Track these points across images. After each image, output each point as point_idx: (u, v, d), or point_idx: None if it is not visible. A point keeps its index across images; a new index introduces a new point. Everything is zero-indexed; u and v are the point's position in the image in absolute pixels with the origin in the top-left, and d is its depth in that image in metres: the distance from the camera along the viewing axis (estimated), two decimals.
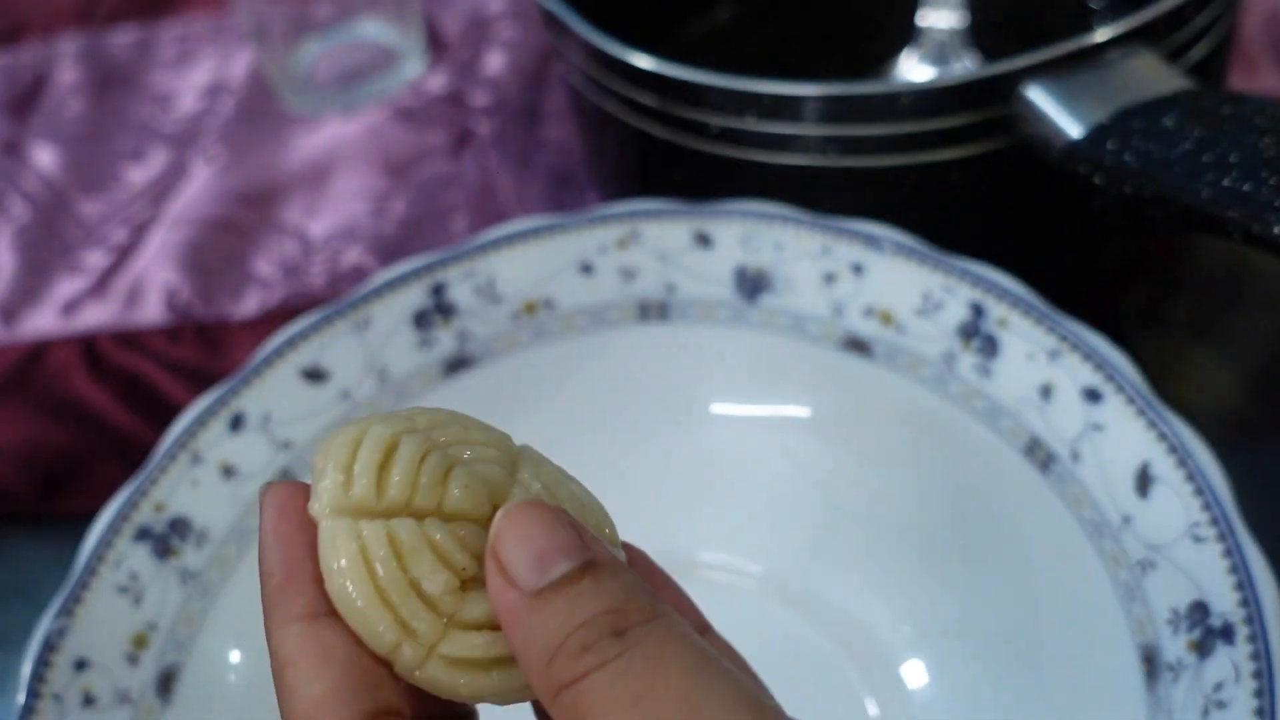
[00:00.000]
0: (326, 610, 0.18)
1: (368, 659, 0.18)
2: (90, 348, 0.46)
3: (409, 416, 0.20)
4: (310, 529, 0.18)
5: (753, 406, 0.36)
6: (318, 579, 0.18)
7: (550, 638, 0.17)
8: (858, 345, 0.34)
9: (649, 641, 0.16)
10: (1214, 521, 0.27)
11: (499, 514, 0.18)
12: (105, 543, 0.30)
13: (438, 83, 0.56)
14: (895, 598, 0.32)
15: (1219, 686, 0.25)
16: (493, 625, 0.18)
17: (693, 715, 0.16)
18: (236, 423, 0.33)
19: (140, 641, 0.30)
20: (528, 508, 0.18)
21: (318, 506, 0.18)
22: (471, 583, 0.18)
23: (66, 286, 0.49)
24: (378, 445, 0.18)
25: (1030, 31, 0.43)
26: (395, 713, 0.18)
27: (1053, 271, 0.39)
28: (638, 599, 0.17)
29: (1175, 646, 0.26)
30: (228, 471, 0.32)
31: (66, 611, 0.29)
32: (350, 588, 0.18)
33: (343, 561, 0.18)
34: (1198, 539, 0.27)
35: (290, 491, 0.19)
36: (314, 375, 0.34)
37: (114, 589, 0.30)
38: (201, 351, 0.46)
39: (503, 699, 0.18)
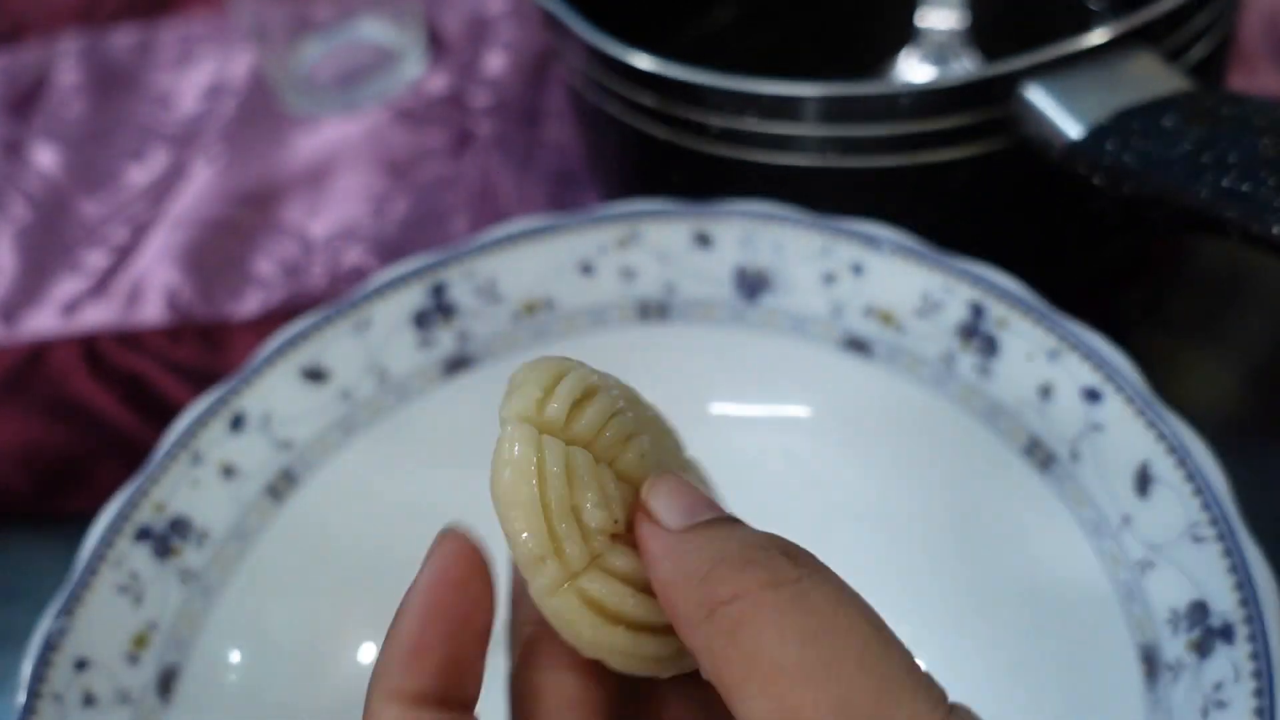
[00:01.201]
0: (434, 702, 0.17)
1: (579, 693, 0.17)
2: (91, 348, 0.46)
3: (609, 377, 0.20)
4: (464, 610, 0.18)
5: (753, 406, 0.36)
6: (443, 666, 0.17)
7: (709, 553, 0.16)
8: (857, 345, 0.34)
9: (826, 579, 0.15)
10: (1213, 521, 0.27)
11: (649, 479, 0.18)
12: (105, 543, 0.30)
13: (438, 83, 0.56)
14: (894, 598, 0.32)
15: (1218, 686, 0.25)
16: (633, 583, 0.18)
17: (875, 669, 0.15)
18: (237, 423, 0.33)
19: (141, 641, 0.30)
20: (674, 475, 0.18)
21: (508, 410, 0.18)
22: (621, 538, 0.18)
23: (67, 287, 0.49)
24: (580, 383, 0.19)
25: (1030, 32, 0.43)
26: None
27: (1052, 271, 0.39)
28: (795, 544, 0.16)
29: (1175, 646, 0.26)
30: (228, 471, 0.32)
31: (67, 611, 0.29)
32: (517, 482, 0.18)
33: (516, 452, 0.18)
34: (1197, 539, 0.27)
35: (465, 549, 0.18)
36: (314, 375, 0.34)
37: (114, 589, 0.30)
38: (202, 352, 0.46)
39: (614, 661, 0.18)
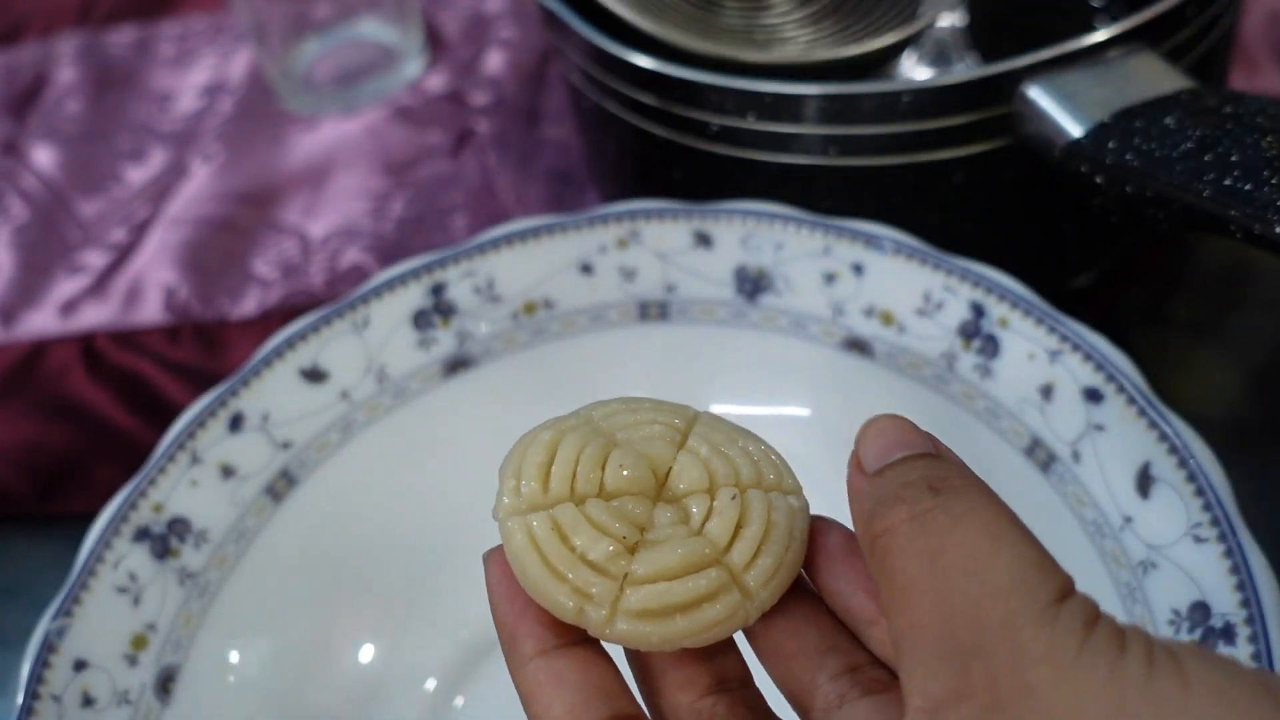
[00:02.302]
0: (555, 645, 0.20)
1: (597, 675, 0.20)
2: (89, 348, 0.46)
3: (580, 413, 0.22)
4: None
5: (753, 406, 0.36)
6: (542, 620, 0.20)
7: (877, 496, 0.18)
8: (858, 345, 0.34)
9: (957, 500, 0.18)
10: (1215, 522, 0.26)
11: (862, 426, 0.20)
12: (104, 543, 0.30)
13: (437, 82, 0.56)
14: None
15: None
16: (668, 577, 0.20)
17: (977, 574, 0.16)
18: (235, 423, 0.33)
19: (139, 642, 0.30)
20: (883, 418, 0.20)
21: (497, 513, 0.21)
22: (640, 546, 0.20)
23: (65, 286, 0.49)
24: (541, 448, 0.21)
25: (1031, 31, 0.43)
26: (632, 718, 0.20)
27: (1054, 271, 0.39)
28: (961, 470, 0.19)
29: None
30: (227, 471, 0.32)
31: (65, 612, 0.29)
32: (527, 567, 0.20)
33: (515, 547, 0.20)
34: (1199, 539, 0.27)
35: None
36: (313, 375, 0.34)
37: (113, 589, 0.30)
38: (200, 351, 0.46)
39: (693, 639, 0.20)
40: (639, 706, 0.20)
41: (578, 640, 0.20)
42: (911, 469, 0.19)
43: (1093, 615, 0.16)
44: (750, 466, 0.21)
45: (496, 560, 0.21)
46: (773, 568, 0.20)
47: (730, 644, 0.21)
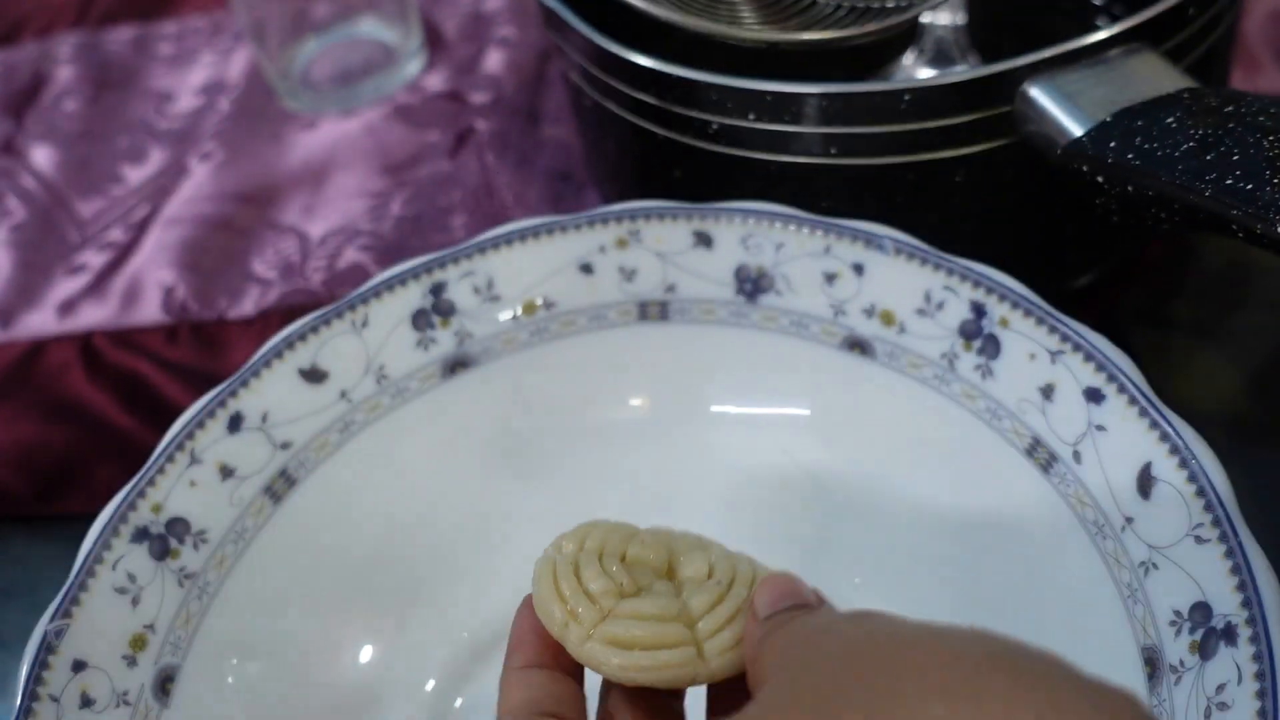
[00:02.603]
0: (536, 664, 0.24)
1: (559, 688, 0.24)
2: (87, 347, 0.46)
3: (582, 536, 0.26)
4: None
5: (753, 407, 0.36)
6: (540, 644, 0.24)
7: (760, 635, 0.22)
8: (859, 345, 0.34)
9: (813, 616, 0.21)
10: (1216, 522, 0.26)
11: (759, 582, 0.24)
12: (103, 543, 0.30)
13: (436, 81, 0.56)
14: (895, 599, 0.32)
15: (1221, 688, 0.25)
16: (641, 619, 0.23)
17: (839, 680, 0.18)
18: (235, 423, 0.33)
19: (138, 643, 0.30)
20: (773, 577, 0.23)
21: (539, 560, 0.25)
22: (631, 595, 0.24)
23: (63, 286, 0.49)
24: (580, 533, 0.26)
25: (1032, 30, 0.43)
26: None
27: (1055, 271, 0.38)
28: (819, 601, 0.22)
29: (1177, 648, 0.26)
30: (226, 472, 0.32)
31: (64, 612, 0.29)
32: (539, 582, 0.24)
33: (538, 568, 0.25)
34: (1200, 540, 0.27)
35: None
36: (312, 375, 0.34)
37: (112, 590, 0.30)
38: (199, 351, 0.45)
39: (645, 674, 0.23)
40: (582, 716, 0.24)
41: (560, 668, 0.24)
42: (786, 620, 0.22)
43: None
44: (749, 569, 0.25)
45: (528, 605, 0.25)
46: (732, 640, 0.23)
47: (679, 697, 0.25)
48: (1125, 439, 0.29)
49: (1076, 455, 0.30)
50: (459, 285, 0.35)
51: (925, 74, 0.42)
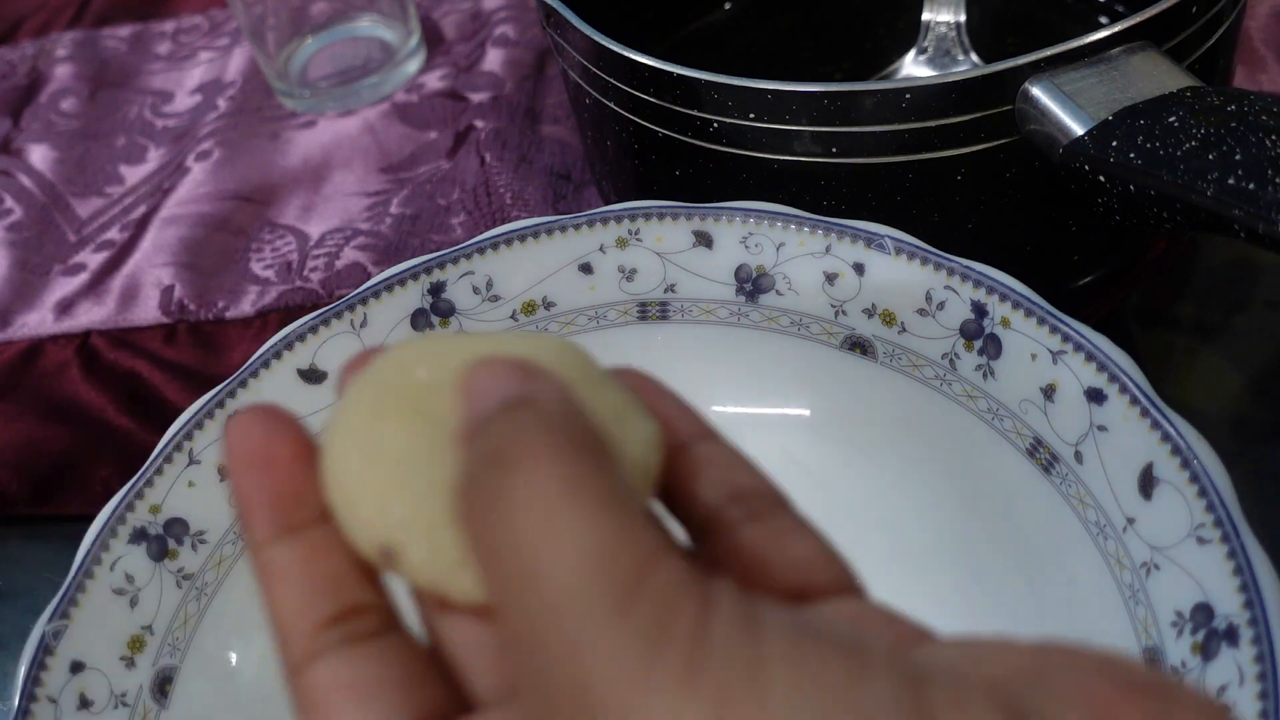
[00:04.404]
0: (281, 533, 0.18)
1: (324, 566, 0.18)
2: (85, 347, 0.46)
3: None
4: (265, 457, 0.18)
5: (753, 407, 0.35)
6: (271, 504, 0.18)
7: (462, 473, 0.16)
8: (859, 345, 0.34)
9: (513, 481, 0.15)
10: (1218, 523, 0.26)
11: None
12: (101, 544, 0.30)
13: (435, 80, 0.56)
14: (895, 600, 0.32)
15: (1223, 689, 0.25)
16: None
17: (534, 583, 0.14)
18: None
19: (137, 644, 0.30)
20: (477, 365, 0.17)
21: None
22: None
23: (61, 286, 0.49)
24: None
25: (1033, 29, 0.43)
26: (363, 609, 0.18)
27: (1056, 271, 0.38)
28: (528, 425, 0.15)
29: (1179, 649, 0.26)
30: (225, 472, 0.32)
31: (62, 614, 0.29)
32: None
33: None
34: (1202, 540, 0.27)
35: (250, 422, 0.19)
36: (311, 375, 0.34)
37: (110, 591, 0.30)
38: (197, 351, 0.45)
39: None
40: (375, 593, 0.18)
41: (308, 522, 0.18)
42: (488, 435, 0.15)
43: (670, 603, 0.13)
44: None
45: (239, 428, 0.19)
46: None
47: None
48: (1127, 439, 0.29)
49: (1078, 455, 0.30)
50: (458, 285, 0.35)
51: (925, 73, 0.42)
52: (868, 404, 0.34)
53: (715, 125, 0.36)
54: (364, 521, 0.17)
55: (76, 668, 0.28)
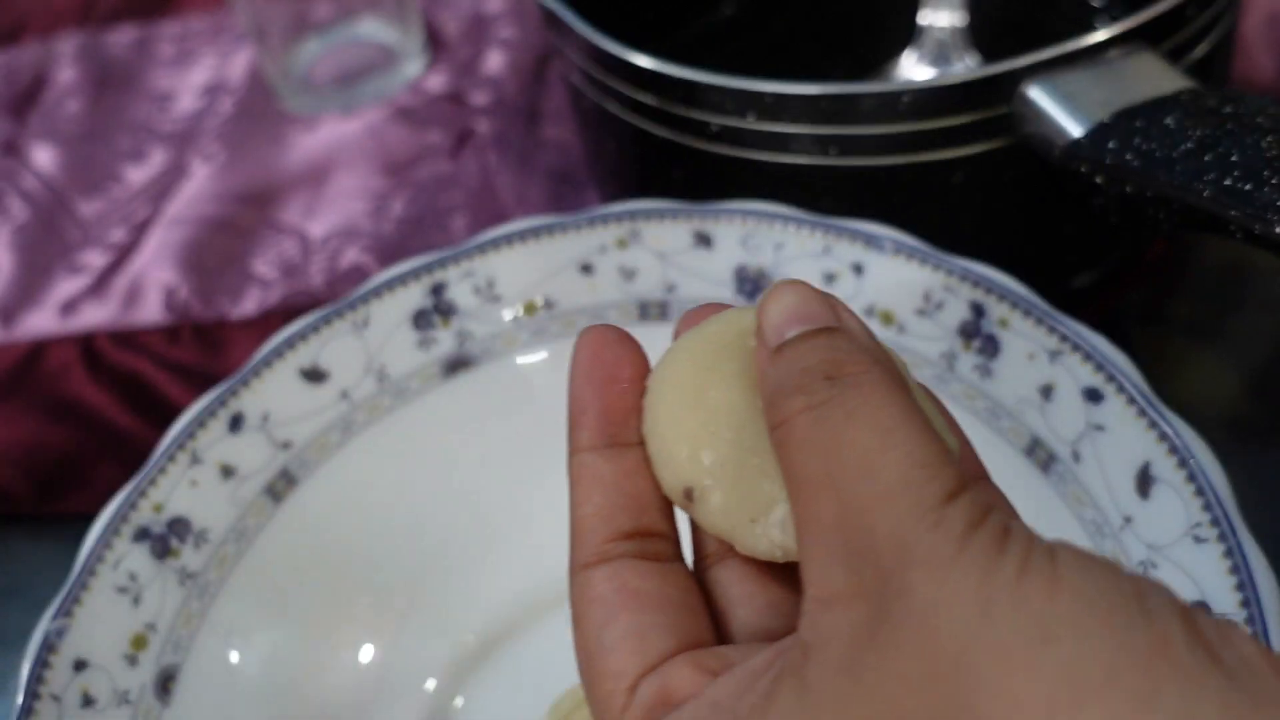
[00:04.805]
0: (604, 444, 0.20)
1: (634, 486, 0.20)
2: (89, 348, 0.46)
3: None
4: (608, 373, 0.20)
5: None
6: (603, 416, 0.20)
7: (777, 380, 0.18)
8: None
9: (851, 393, 0.17)
10: (1215, 522, 0.26)
11: (763, 295, 0.19)
12: (104, 543, 0.30)
13: (437, 82, 0.56)
14: None
15: None
16: None
17: (868, 476, 0.16)
18: (235, 423, 0.33)
19: (139, 642, 0.30)
20: (783, 284, 0.19)
21: None
22: None
23: (65, 286, 0.49)
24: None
25: (1031, 31, 0.43)
26: (657, 534, 0.20)
27: (1053, 271, 0.39)
28: (859, 354, 0.18)
29: None
30: (227, 472, 0.32)
31: (65, 612, 0.29)
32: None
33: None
34: (1199, 539, 0.27)
35: (603, 338, 0.21)
36: (313, 375, 0.34)
37: (113, 589, 0.30)
38: (200, 351, 0.46)
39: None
40: (667, 525, 0.20)
41: (631, 442, 0.20)
42: (810, 350, 0.18)
43: (979, 516, 0.16)
44: None
45: (592, 340, 0.21)
46: None
47: None
48: (1124, 439, 0.29)
49: (1075, 455, 0.30)
50: (460, 285, 0.35)
51: (925, 74, 0.42)
52: None
53: (715, 126, 0.36)
54: (675, 460, 0.19)
55: (80, 666, 0.28)
